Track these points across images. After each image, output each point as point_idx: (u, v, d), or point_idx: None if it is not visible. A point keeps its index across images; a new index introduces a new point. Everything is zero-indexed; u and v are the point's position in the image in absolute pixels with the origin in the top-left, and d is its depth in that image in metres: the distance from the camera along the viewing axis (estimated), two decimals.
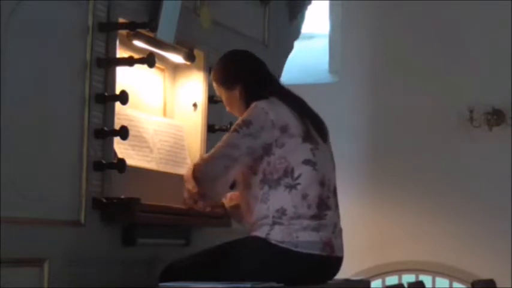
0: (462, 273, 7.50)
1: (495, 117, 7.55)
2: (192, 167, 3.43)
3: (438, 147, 7.66)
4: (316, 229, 3.41)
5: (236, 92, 3.61)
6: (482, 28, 7.59)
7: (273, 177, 3.42)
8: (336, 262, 3.53)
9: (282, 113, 3.46)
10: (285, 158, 3.42)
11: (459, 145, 7.62)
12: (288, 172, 3.42)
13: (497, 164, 7.48)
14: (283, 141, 3.42)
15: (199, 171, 3.38)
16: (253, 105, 3.47)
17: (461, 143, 7.62)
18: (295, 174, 3.42)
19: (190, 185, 3.40)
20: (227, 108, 3.71)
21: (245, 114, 3.45)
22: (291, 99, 3.56)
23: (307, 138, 3.47)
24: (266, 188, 3.43)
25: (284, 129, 3.43)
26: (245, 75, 3.62)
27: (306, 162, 3.44)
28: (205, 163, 3.40)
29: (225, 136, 3.44)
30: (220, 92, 3.69)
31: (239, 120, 3.45)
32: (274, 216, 3.40)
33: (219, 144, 3.42)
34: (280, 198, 3.41)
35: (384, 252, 7.71)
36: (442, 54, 7.71)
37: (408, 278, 7.46)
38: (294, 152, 3.43)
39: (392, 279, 7.70)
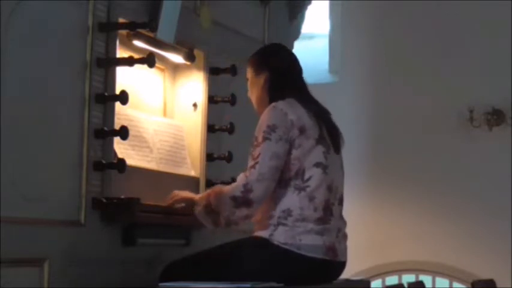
0: (462, 273, 7.50)
1: (495, 117, 7.55)
2: (225, 190, 3.41)
3: (438, 147, 7.65)
4: (320, 233, 3.41)
5: (261, 79, 3.62)
6: (482, 28, 7.58)
7: (284, 176, 3.42)
8: (338, 266, 3.54)
9: (299, 114, 3.47)
10: (299, 159, 3.43)
11: (459, 145, 7.61)
12: (299, 174, 3.42)
13: (497, 164, 7.47)
14: (301, 142, 3.43)
15: (254, 193, 3.35)
16: (271, 106, 3.48)
17: (461, 143, 7.61)
18: (306, 177, 3.43)
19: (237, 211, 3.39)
20: (248, 92, 3.72)
21: (266, 118, 3.44)
22: (310, 103, 3.57)
23: (320, 140, 3.48)
24: (276, 187, 3.43)
25: (302, 130, 3.44)
26: (274, 66, 3.63)
27: (318, 164, 3.45)
28: (258, 183, 3.35)
29: (260, 148, 3.38)
30: (249, 73, 3.70)
31: (263, 126, 3.42)
32: (280, 216, 3.40)
33: (258, 157, 3.37)
34: (287, 199, 3.42)
35: (384, 252, 7.71)
36: (442, 54, 7.71)
37: (408, 278, 7.46)
38: (308, 154, 3.44)
39: (392, 279, 7.69)
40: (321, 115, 3.56)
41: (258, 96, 3.64)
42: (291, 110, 3.46)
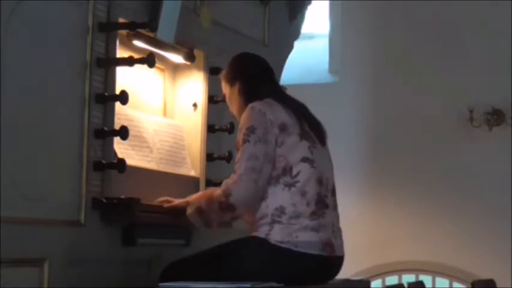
0: (462, 273, 7.50)
1: (495, 117, 7.55)
2: (215, 193, 3.45)
3: (438, 147, 7.66)
4: (315, 229, 3.42)
5: (236, 88, 3.67)
6: (482, 28, 7.59)
7: (272, 175, 3.44)
8: (337, 262, 3.54)
9: (277, 112, 3.49)
10: (284, 156, 3.44)
11: (459, 145, 7.62)
12: (287, 170, 3.44)
13: (497, 164, 7.48)
14: (282, 139, 3.45)
15: (233, 197, 3.39)
16: (248, 107, 3.51)
17: (461, 143, 7.62)
18: (294, 172, 3.44)
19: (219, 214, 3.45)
20: (229, 108, 3.77)
21: (245, 120, 3.48)
22: (288, 100, 3.60)
23: (304, 136, 3.50)
24: (266, 186, 3.43)
25: (282, 128, 3.46)
26: (245, 73, 3.68)
27: (304, 159, 3.46)
28: (234, 186, 3.39)
29: (239, 152, 3.44)
30: (225, 89, 3.76)
31: (243, 129, 3.46)
32: (273, 214, 3.41)
33: (238, 161, 3.42)
34: (279, 197, 3.42)
35: (384, 252, 7.71)
36: (442, 54, 7.71)
37: (408, 278, 7.46)
38: (293, 150, 3.46)
39: (392, 279, 7.70)
40: (300, 111, 3.58)
41: (238, 106, 3.67)
42: (269, 110, 3.49)
